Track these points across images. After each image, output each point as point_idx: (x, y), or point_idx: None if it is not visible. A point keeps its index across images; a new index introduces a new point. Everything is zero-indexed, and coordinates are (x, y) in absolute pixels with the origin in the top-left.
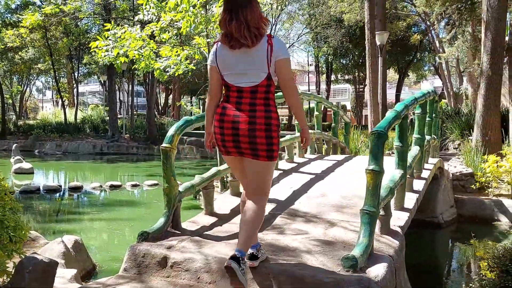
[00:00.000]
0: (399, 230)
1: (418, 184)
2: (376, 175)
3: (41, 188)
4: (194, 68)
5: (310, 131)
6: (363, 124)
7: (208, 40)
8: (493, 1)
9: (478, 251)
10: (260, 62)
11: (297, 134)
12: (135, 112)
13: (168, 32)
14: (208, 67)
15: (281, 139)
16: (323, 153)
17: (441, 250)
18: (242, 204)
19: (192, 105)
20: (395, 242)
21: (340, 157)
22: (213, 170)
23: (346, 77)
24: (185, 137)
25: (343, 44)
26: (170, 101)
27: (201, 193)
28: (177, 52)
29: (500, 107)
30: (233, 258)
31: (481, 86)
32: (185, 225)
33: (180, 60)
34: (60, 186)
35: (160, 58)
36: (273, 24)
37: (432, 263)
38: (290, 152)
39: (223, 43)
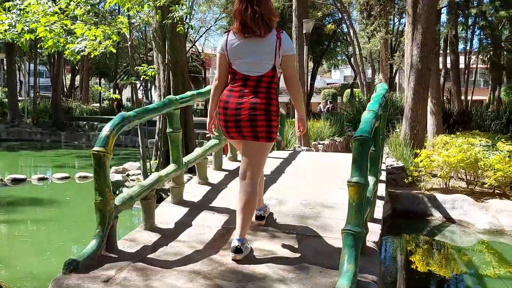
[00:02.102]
0: (375, 246)
1: (381, 189)
2: (361, 188)
3: None
4: (115, 51)
5: None
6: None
7: (134, 21)
8: None
9: (410, 246)
10: (269, 54)
11: None
12: (37, 94)
13: (81, 8)
14: (218, 54)
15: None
16: None
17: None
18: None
19: (101, 87)
20: (374, 262)
21: (283, 153)
22: (153, 176)
23: None
24: (96, 123)
25: None
26: (76, 83)
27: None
28: (94, 33)
29: (427, 101)
30: (237, 251)
31: (410, 79)
32: (121, 245)
33: (100, 42)
34: None
35: (71, 37)
36: (190, 7)
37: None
38: (233, 150)
39: (237, 31)
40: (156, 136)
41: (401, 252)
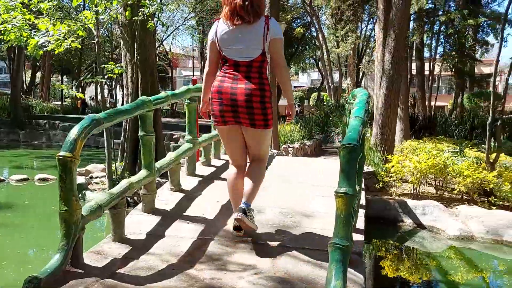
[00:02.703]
0: (358, 258)
1: (361, 196)
2: (350, 199)
3: None
4: (79, 46)
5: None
6: None
7: (102, 17)
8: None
9: (380, 251)
10: (257, 39)
11: (214, 132)
12: None
13: (48, 1)
14: (208, 42)
15: (200, 139)
16: None
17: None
18: (232, 176)
19: (63, 84)
20: (359, 276)
21: None
22: (124, 183)
23: None
24: (57, 122)
25: None
26: (37, 80)
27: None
28: (59, 28)
29: (398, 107)
30: (242, 210)
31: (381, 84)
32: (88, 258)
33: (64, 37)
34: None
35: (35, 31)
36: (160, 3)
37: None
38: (207, 154)
39: (226, 19)
40: (122, 137)
41: (371, 258)
